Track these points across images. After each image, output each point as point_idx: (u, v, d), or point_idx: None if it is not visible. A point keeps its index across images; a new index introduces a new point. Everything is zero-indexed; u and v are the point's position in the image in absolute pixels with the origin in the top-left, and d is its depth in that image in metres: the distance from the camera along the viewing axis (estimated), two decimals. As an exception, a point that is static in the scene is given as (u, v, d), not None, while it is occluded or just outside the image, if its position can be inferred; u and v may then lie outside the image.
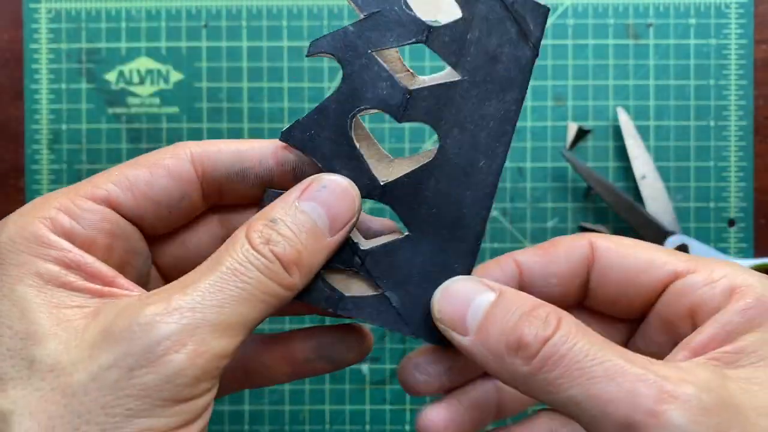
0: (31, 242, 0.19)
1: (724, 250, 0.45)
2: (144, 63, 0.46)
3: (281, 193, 0.22)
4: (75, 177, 0.46)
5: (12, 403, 0.17)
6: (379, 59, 0.22)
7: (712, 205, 0.46)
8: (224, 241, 0.21)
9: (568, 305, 0.20)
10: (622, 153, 0.45)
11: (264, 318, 0.20)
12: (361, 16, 0.22)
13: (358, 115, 0.23)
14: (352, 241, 0.23)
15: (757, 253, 0.46)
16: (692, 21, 0.46)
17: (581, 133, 0.45)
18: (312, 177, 0.21)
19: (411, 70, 0.24)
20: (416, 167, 0.23)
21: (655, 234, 0.44)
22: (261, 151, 0.22)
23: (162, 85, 0.46)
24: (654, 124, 0.46)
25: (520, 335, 0.18)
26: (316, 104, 0.23)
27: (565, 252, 0.22)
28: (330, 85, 0.46)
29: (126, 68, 0.46)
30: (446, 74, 0.23)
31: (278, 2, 0.46)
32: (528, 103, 0.46)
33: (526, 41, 0.22)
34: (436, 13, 0.22)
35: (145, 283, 0.23)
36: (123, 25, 0.46)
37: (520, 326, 0.19)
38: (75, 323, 0.18)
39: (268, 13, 0.46)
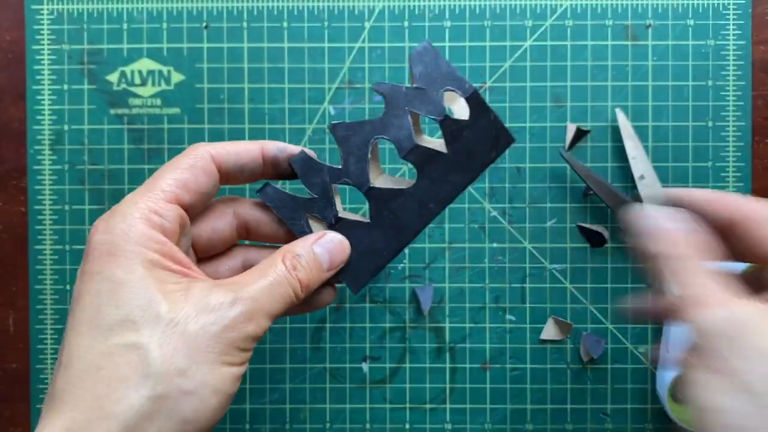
0: (140, 236, 0.28)
1: (722, 250, 0.46)
2: (145, 64, 0.46)
3: (311, 158, 0.33)
4: (77, 177, 0.46)
5: (147, 338, 0.27)
6: (409, 116, 0.33)
7: (710, 205, 0.46)
8: (237, 226, 0.34)
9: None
10: (620, 153, 0.46)
11: (282, 313, 0.30)
12: (414, 85, 0.33)
13: (379, 138, 0.34)
14: (335, 207, 0.34)
15: (755, 253, 0.46)
16: (690, 22, 0.46)
17: (580, 134, 0.46)
18: (324, 232, 0.33)
19: (421, 130, 0.36)
20: (396, 187, 0.34)
21: None
22: (253, 152, 0.32)
23: (163, 86, 0.46)
24: (652, 124, 0.46)
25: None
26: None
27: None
28: (331, 87, 0.46)
29: (128, 69, 0.46)
30: (440, 145, 0.34)
31: (279, 3, 0.46)
32: (527, 103, 0.46)
33: (491, 152, 0.34)
34: (455, 107, 0.34)
35: (187, 253, 0.32)
36: (124, 26, 0.46)
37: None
38: (176, 295, 0.28)
39: (269, 14, 0.46)
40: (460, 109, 0.34)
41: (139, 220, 0.28)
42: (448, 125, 0.34)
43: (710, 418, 0.25)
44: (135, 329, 0.27)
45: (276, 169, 0.33)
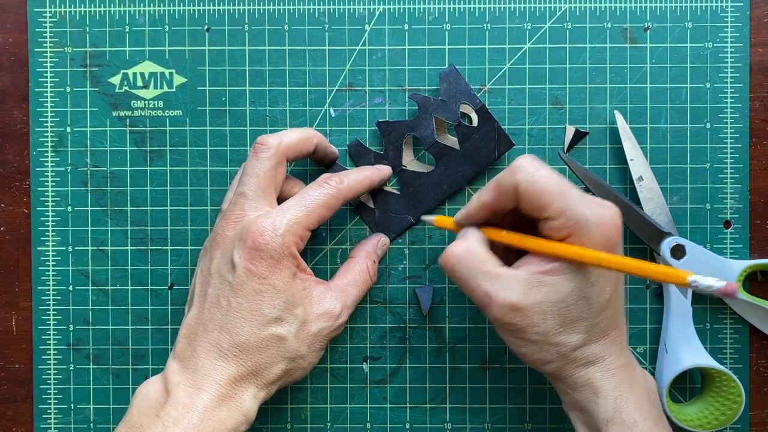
0: (292, 257, 0.39)
1: (720, 251, 0.46)
2: (147, 66, 0.47)
3: (362, 145, 0.46)
4: (79, 179, 0.47)
5: (287, 332, 0.39)
6: (434, 120, 0.45)
7: (708, 206, 0.46)
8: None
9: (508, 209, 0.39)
10: (618, 155, 0.46)
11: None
12: (439, 98, 0.45)
13: (411, 134, 0.46)
14: None
15: (753, 254, 0.46)
16: (689, 25, 0.46)
17: (578, 136, 0.46)
18: (379, 238, 0.46)
19: (446, 129, 0.46)
20: (421, 170, 0.46)
21: (652, 235, 0.44)
22: (308, 141, 0.42)
23: (165, 89, 0.47)
24: (650, 126, 0.46)
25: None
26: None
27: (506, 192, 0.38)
28: (332, 89, 0.47)
29: (130, 72, 0.47)
30: (455, 143, 0.46)
31: (280, 6, 0.47)
32: (526, 105, 0.46)
33: (494, 151, 0.45)
34: (469, 119, 0.46)
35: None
36: (126, 29, 0.47)
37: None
38: (305, 300, 0.40)
39: (270, 17, 0.47)
40: (471, 116, 0.45)
41: (293, 243, 0.38)
42: (461, 129, 0.45)
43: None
44: (281, 325, 0.38)
45: (314, 156, 0.44)
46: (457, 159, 0.45)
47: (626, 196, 0.46)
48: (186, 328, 0.39)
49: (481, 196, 0.39)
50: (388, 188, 0.46)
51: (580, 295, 0.36)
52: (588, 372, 0.37)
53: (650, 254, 0.46)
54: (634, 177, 0.45)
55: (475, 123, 0.45)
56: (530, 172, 0.36)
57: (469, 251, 0.38)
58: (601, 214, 0.35)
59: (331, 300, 0.41)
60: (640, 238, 0.44)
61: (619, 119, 0.45)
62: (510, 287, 0.36)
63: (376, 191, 0.46)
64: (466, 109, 0.45)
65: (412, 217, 0.46)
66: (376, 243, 0.45)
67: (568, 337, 0.37)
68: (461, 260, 0.38)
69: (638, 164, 0.45)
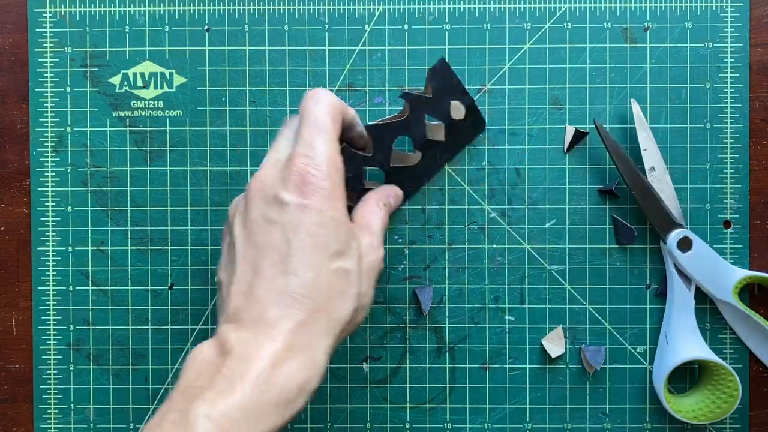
0: (338, 186, 0.36)
1: (720, 251, 0.46)
2: (147, 67, 0.47)
3: (353, 151, 0.42)
4: (79, 179, 0.47)
5: (351, 266, 0.35)
6: (426, 118, 0.44)
7: (708, 206, 0.46)
8: None
9: None
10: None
11: None
12: (430, 95, 0.43)
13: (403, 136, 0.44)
14: (362, 182, 0.43)
15: (752, 254, 0.46)
16: (689, 25, 0.46)
17: (578, 136, 0.46)
18: (390, 194, 0.43)
19: (436, 126, 0.45)
20: (403, 164, 0.45)
21: (663, 223, 0.44)
22: (352, 120, 0.40)
23: (165, 89, 0.47)
24: (651, 126, 0.46)
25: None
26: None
27: None
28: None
29: (130, 72, 0.47)
30: (440, 133, 0.45)
31: (280, 6, 0.47)
32: (526, 105, 0.46)
33: (471, 132, 0.46)
34: (457, 114, 0.45)
35: None
36: (127, 29, 0.47)
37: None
38: (357, 234, 0.38)
39: (270, 17, 0.47)
40: (459, 111, 0.45)
41: (334, 171, 0.35)
42: (452, 125, 0.45)
43: None
44: (344, 258, 0.35)
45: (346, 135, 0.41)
46: (441, 149, 0.45)
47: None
48: (238, 285, 0.35)
49: None
50: (373, 183, 0.44)
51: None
52: None
53: (657, 241, 0.46)
54: (647, 167, 0.45)
55: (461, 116, 0.44)
56: None
57: None
58: None
59: (371, 236, 0.38)
60: (653, 224, 0.44)
61: (635, 108, 0.45)
62: None
63: (363, 192, 0.43)
64: (455, 105, 0.44)
65: (406, 195, 0.46)
66: (388, 191, 0.43)
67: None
68: None
69: (651, 154, 0.45)
